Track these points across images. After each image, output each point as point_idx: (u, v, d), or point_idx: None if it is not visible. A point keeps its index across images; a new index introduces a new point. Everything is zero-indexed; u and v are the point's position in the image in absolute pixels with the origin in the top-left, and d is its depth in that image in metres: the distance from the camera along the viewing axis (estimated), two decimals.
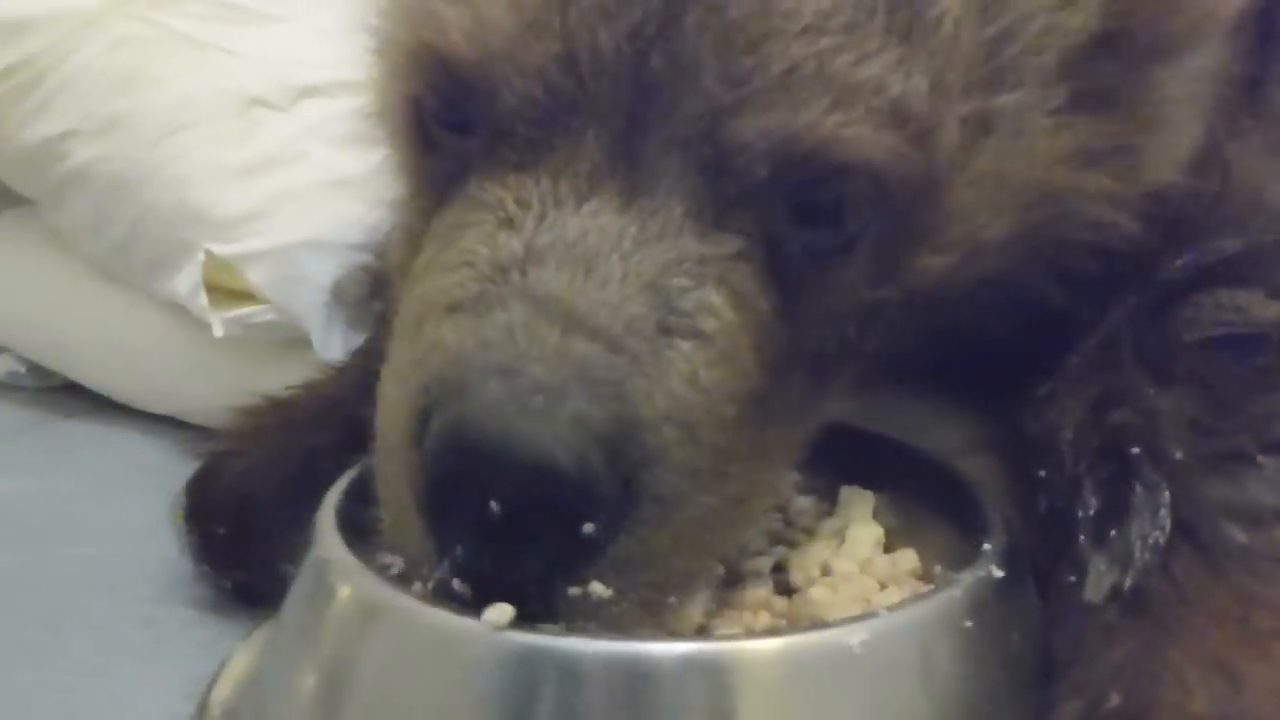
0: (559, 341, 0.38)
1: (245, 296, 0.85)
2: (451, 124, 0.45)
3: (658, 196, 0.40)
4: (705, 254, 0.41)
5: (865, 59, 0.40)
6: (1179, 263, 0.52)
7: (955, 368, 0.61)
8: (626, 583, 0.39)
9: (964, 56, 0.44)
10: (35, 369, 1.07)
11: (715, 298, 0.41)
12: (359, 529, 0.48)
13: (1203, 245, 0.53)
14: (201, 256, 0.84)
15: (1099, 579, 0.43)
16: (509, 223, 0.41)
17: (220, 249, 0.83)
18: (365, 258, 0.80)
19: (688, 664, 0.38)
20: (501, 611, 0.38)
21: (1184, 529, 0.44)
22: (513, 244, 0.40)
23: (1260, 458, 0.45)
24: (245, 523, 0.59)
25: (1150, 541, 0.43)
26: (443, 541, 0.39)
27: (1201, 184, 0.54)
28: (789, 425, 0.47)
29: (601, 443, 0.37)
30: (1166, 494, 0.44)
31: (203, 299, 0.83)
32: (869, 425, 0.60)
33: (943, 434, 0.62)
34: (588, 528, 0.37)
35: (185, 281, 0.86)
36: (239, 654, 0.54)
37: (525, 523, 0.37)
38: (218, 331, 0.82)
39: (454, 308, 0.40)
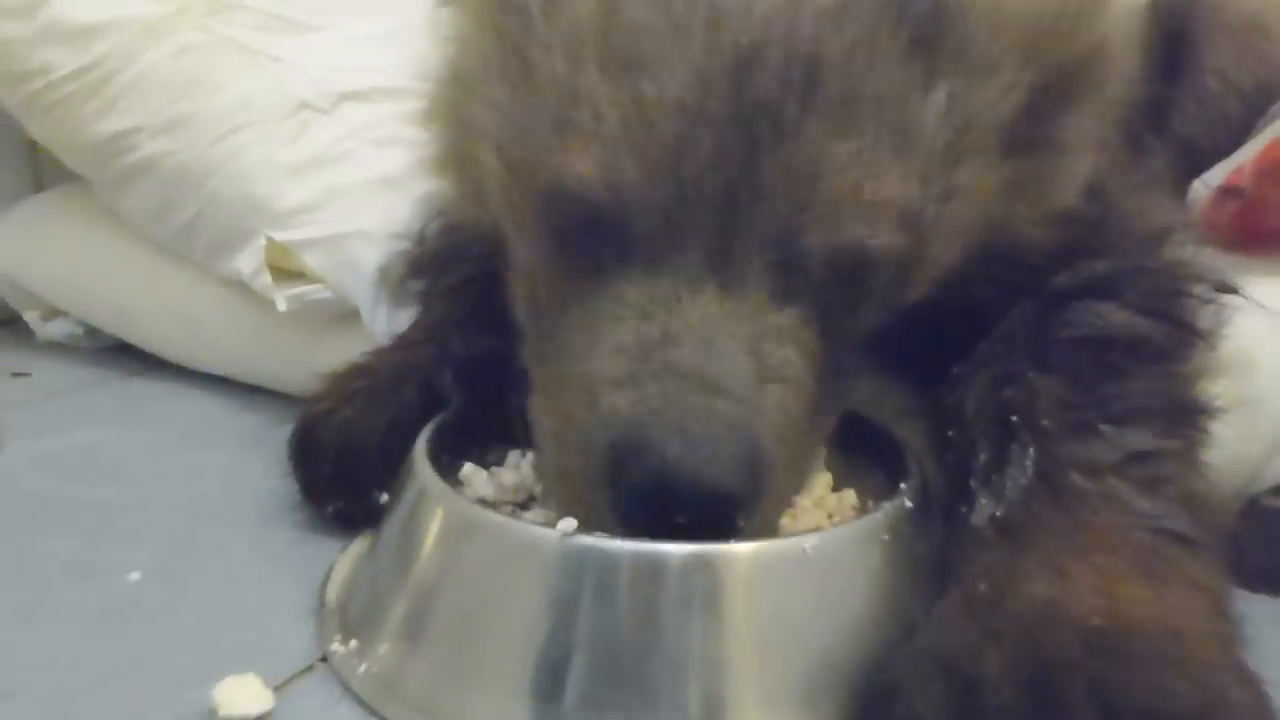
0: (704, 403, 0.53)
1: (298, 275, 0.99)
2: (585, 240, 0.58)
3: (747, 289, 0.55)
4: (781, 325, 0.56)
5: (883, 183, 0.55)
6: (1061, 280, 0.67)
7: (893, 353, 0.78)
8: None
9: (937, 156, 0.58)
10: (91, 331, 1.21)
11: (791, 353, 0.56)
12: (440, 466, 0.65)
13: (1081, 266, 0.67)
14: (263, 242, 0.98)
15: (982, 510, 0.59)
16: (646, 316, 0.55)
17: (280, 236, 0.97)
18: (404, 245, 0.93)
19: (689, 560, 0.54)
20: (570, 523, 0.55)
21: (1043, 476, 0.59)
22: (651, 330, 0.55)
23: (1102, 427, 0.60)
24: (346, 464, 0.73)
25: (1019, 484, 0.59)
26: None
27: (1090, 209, 0.68)
28: (830, 415, 0.65)
29: (747, 467, 0.53)
30: (1033, 451, 0.60)
31: (266, 278, 0.97)
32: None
33: (882, 403, 0.79)
34: (740, 520, 0.54)
35: (248, 262, 0.99)
36: (340, 563, 0.70)
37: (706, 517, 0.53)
38: (281, 307, 0.95)
39: (619, 381, 0.55)
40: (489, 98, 0.63)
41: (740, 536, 0.55)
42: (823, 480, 0.70)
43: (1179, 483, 0.60)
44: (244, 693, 0.55)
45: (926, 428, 0.73)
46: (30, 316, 1.23)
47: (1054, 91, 0.62)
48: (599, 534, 0.55)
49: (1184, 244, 0.72)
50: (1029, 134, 0.62)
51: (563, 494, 0.60)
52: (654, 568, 0.54)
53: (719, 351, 0.54)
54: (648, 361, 0.54)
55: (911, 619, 0.56)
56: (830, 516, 0.67)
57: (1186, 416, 0.64)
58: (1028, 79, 0.61)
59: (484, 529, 0.58)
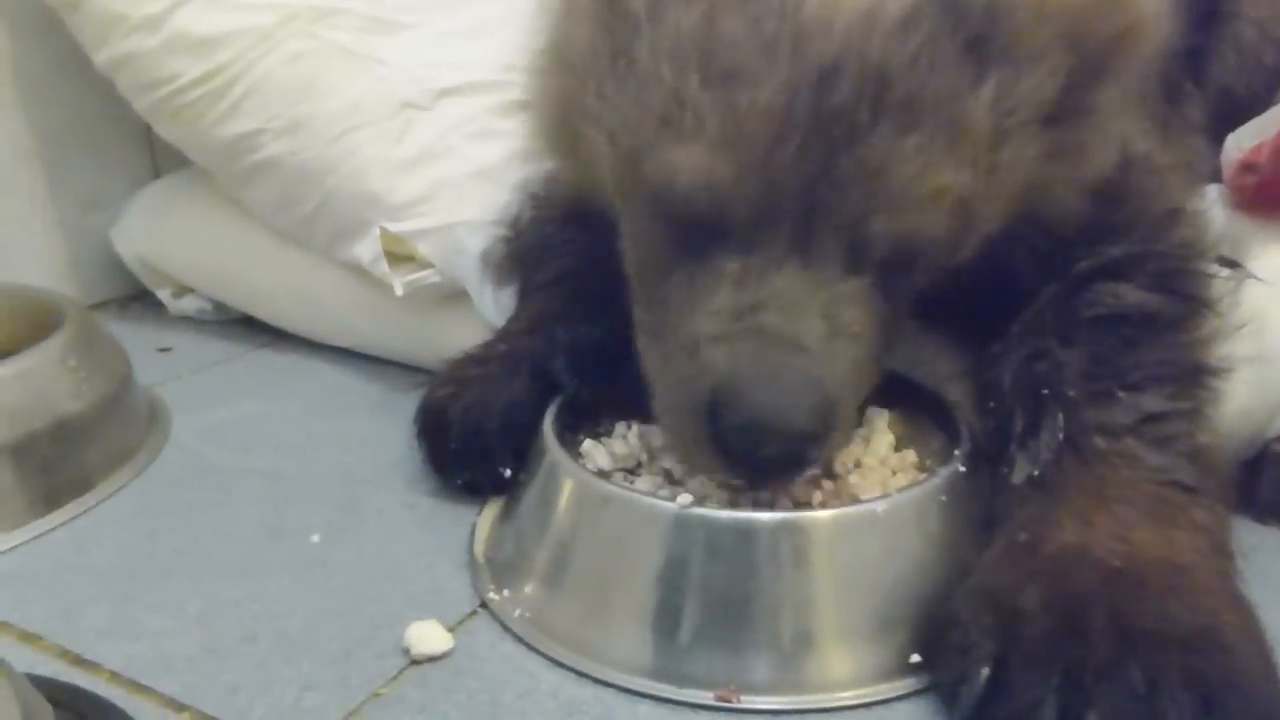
0: (786, 358, 0.65)
1: (410, 260, 1.11)
2: (688, 224, 0.68)
3: (825, 265, 0.66)
4: (849, 292, 0.66)
5: (939, 173, 0.64)
6: (1083, 264, 0.76)
7: (945, 321, 0.89)
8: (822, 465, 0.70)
9: (985, 141, 0.66)
10: (219, 306, 1.35)
11: (857, 314, 0.67)
12: (563, 442, 0.78)
13: (1099, 251, 0.77)
14: (378, 232, 1.10)
15: (1020, 470, 0.70)
16: (739, 284, 0.66)
17: (394, 227, 1.09)
18: (501, 232, 1.05)
19: (779, 525, 0.67)
20: (686, 497, 0.68)
21: (1070, 440, 0.70)
22: (743, 297, 0.66)
23: (1120, 393, 0.71)
24: (471, 442, 0.85)
25: (1050, 448, 0.70)
26: (734, 468, 0.68)
27: (1117, 183, 0.77)
28: (883, 360, 0.75)
29: (820, 411, 0.65)
30: (1062, 418, 0.71)
31: (384, 265, 1.08)
32: (893, 366, 0.88)
33: (935, 367, 0.90)
34: (814, 454, 0.67)
35: (366, 251, 1.11)
36: (480, 524, 0.84)
37: (786, 455, 0.66)
38: (399, 291, 1.06)
39: (717, 338, 0.66)
40: (600, 88, 0.73)
41: (811, 465, 0.68)
42: (886, 441, 0.82)
43: (1187, 439, 0.71)
44: (429, 635, 0.69)
45: (974, 390, 0.83)
46: (163, 294, 1.37)
47: (1091, 66, 0.70)
48: (708, 504, 0.68)
49: (1194, 223, 0.81)
50: (1067, 106, 0.70)
51: (672, 430, 0.72)
52: (750, 531, 0.67)
53: (798, 315, 0.65)
54: (740, 322, 0.66)
55: (965, 564, 0.68)
56: (894, 473, 0.79)
57: (1195, 379, 0.74)
58: (1068, 61, 0.68)
59: (614, 501, 0.71)
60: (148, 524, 0.86)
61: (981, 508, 0.73)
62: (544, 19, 0.83)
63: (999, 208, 0.71)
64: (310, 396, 1.12)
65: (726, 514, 0.68)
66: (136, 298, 1.43)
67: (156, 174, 1.45)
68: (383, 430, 1.01)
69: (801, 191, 0.64)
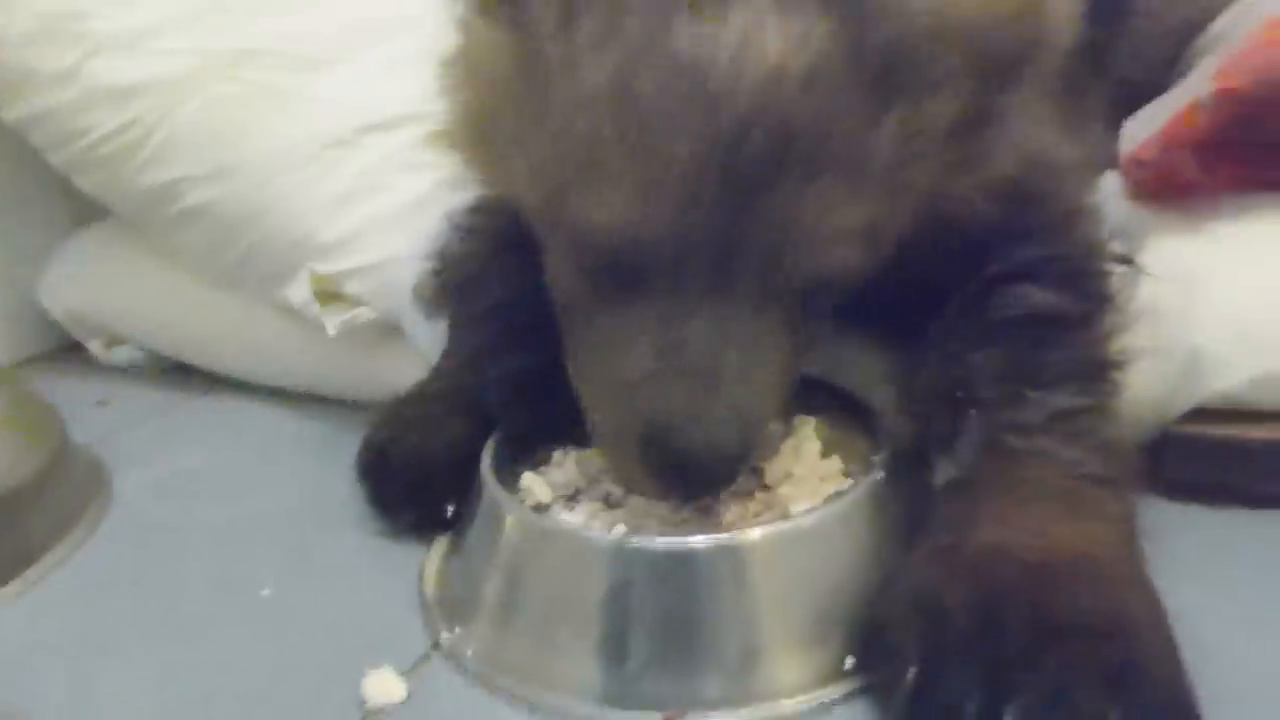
0: (708, 394, 0.68)
1: (342, 299, 1.12)
2: (608, 269, 0.71)
3: (740, 305, 0.69)
4: (766, 324, 0.70)
5: (845, 212, 0.67)
6: (995, 267, 0.80)
7: (864, 324, 0.92)
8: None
9: (889, 169, 0.68)
10: (153, 355, 1.34)
11: (774, 342, 0.71)
12: (502, 474, 0.81)
13: (1010, 252, 0.80)
14: (307, 274, 1.11)
15: (942, 473, 0.74)
16: (661, 325, 0.69)
17: (323, 268, 1.10)
18: (431, 264, 1.05)
19: (715, 548, 0.70)
20: (619, 529, 0.71)
21: (988, 440, 0.74)
22: (667, 337, 0.69)
23: (1030, 393, 0.75)
24: (414, 482, 0.87)
25: (969, 449, 0.74)
26: (668, 494, 0.73)
27: (1022, 184, 0.79)
28: (790, 385, 0.78)
29: (743, 437, 0.70)
30: (978, 419, 0.75)
31: (315, 308, 1.09)
32: (817, 371, 0.92)
33: (857, 370, 0.93)
34: (739, 472, 0.72)
35: (297, 294, 1.12)
36: (428, 564, 0.85)
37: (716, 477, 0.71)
38: (331, 332, 1.07)
39: (645, 378, 0.69)
40: (516, 122, 0.75)
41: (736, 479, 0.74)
42: (813, 449, 0.85)
43: (1096, 432, 0.75)
44: (385, 684, 0.70)
45: (894, 389, 0.87)
46: (94, 346, 1.36)
47: (995, 80, 0.72)
48: (641, 534, 0.71)
49: (1093, 221, 0.85)
50: (970, 119, 0.72)
51: (612, 462, 0.77)
52: (687, 556, 0.70)
53: (719, 351, 0.69)
54: (663, 361, 0.69)
55: (893, 566, 0.71)
56: (821, 480, 0.82)
57: (1100, 374, 0.78)
58: (971, 80, 0.70)
59: (554, 536, 0.74)
60: (97, 593, 0.86)
61: (906, 510, 0.77)
62: (451, 32, 0.84)
63: (904, 221, 0.74)
64: (252, 442, 1.13)
65: (663, 541, 0.71)
66: (67, 351, 1.42)
67: (77, 225, 1.44)
68: (327, 472, 1.02)
69: (715, 239, 0.67)
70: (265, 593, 0.84)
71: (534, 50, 0.72)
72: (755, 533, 0.71)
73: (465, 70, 0.83)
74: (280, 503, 0.98)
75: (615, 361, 0.72)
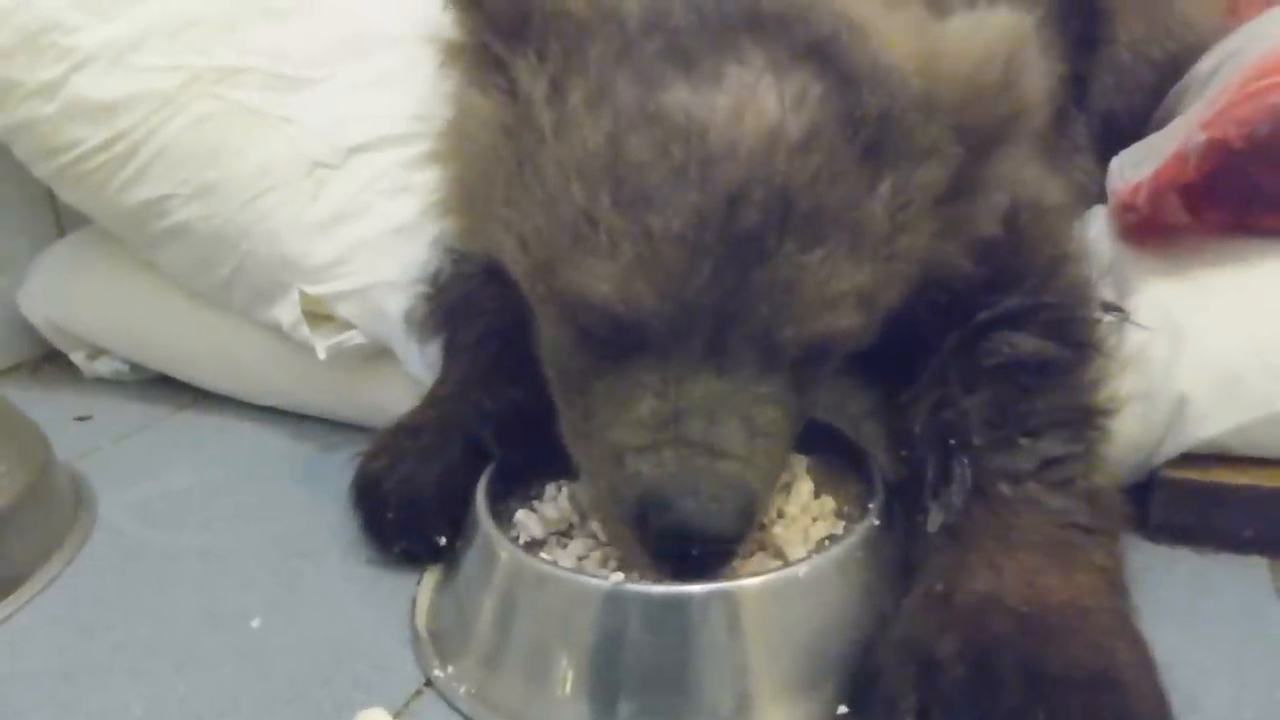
0: (709, 465, 0.67)
1: (330, 320, 1.11)
2: (606, 337, 0.70)
3: (740, 371, 0.68)
4: (766, 393, 0.69)
5: (842, 279, 0.67)
6: (982, 316, 0.80)
7: (856, 367, 0.93)
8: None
9: (883, 236, 0.69)
10: (136, 367, 1.33)
11: (774, 413, 0.70)
12: (496, 509, 0.81)
13: (999, 301, 0.81)
14: (296, 295, 1.10)
15: (934, 519, 0.75)
16: (660, 395, 0.69)
17: (313, 290, 1.09)
18: (422, 288, 1.05)
19: (710, 596, 0.70)
20: (617, 576, 0.71)
21: (978, 487, 0.75)
22: (664, 407, 0.68)
23: (1021, 440, 0.76)
24: (407, 512, 0.87)
25: (960, 496, 0.75)
26: (666, 568, 0.71)
27: (1007, 237, 0.80)
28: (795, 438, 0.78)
29: (744, 512, 0.69)
30: (969, 467, 0.76)
31: (305, 330, 1.08)
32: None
33: (847, 408, 0.94)
34: (739, 549, 0.71)
35: (286, 315, 1.11)
36: (420, 596, 0.85)
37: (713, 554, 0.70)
38: (322, 355, 1.07)
39: (643, 448, 0.69)
40: (507, 192, 0.73)
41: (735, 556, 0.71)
42: (806, 488, 0.86)
43: (1084, 480, 0.76)
44: None
45: (885, 431, 0.88)
46: (76, 357, 1.35)
47: (980, 147, 0.73)
48: (636, 578, 0.71)
49: (1079, 267, 0.86)
50: (958, 186, 0.73)
51: (609, 529, 0.76)
52: (682, 603, 0.70)
53: (717, 422, 0.68)
54: (663, 432, 0.68)
55: (885, 612, 0.72)
56: (815, 520, 0.83)
57: (1088, 421, 0.79)
58: (957, 148, 0.71)
59: (548, 580, 0.74)
60: (82, 619, 0.85)
61: (897, 555, 0.78)
62: (441, 101, 0.83)
63: (899, 288, 0.74)
64: (238, 462, 1.12)
65: (658, 588, 0.71)
66: (49, 360, 1.41)
67: (61, 233, 1.42)
68: (315, 495, 1.02)
69: (714, 307, 0.67)
70: (255, 624, 0.83)
71: (524, 118, 0.71)
72: (750, 581, 0.71)
73: (456, 141, 0.82)
74: (268, 527, 0.98)
75: (611, 429, 0.71)
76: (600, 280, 0.67)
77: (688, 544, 0.68)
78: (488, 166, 0.76)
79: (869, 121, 0.67)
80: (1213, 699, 0.71)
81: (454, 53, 0.78)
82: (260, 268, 1.13)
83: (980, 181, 0.75)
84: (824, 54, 0.68)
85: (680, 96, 0.66)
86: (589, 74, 0.69)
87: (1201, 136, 0.89)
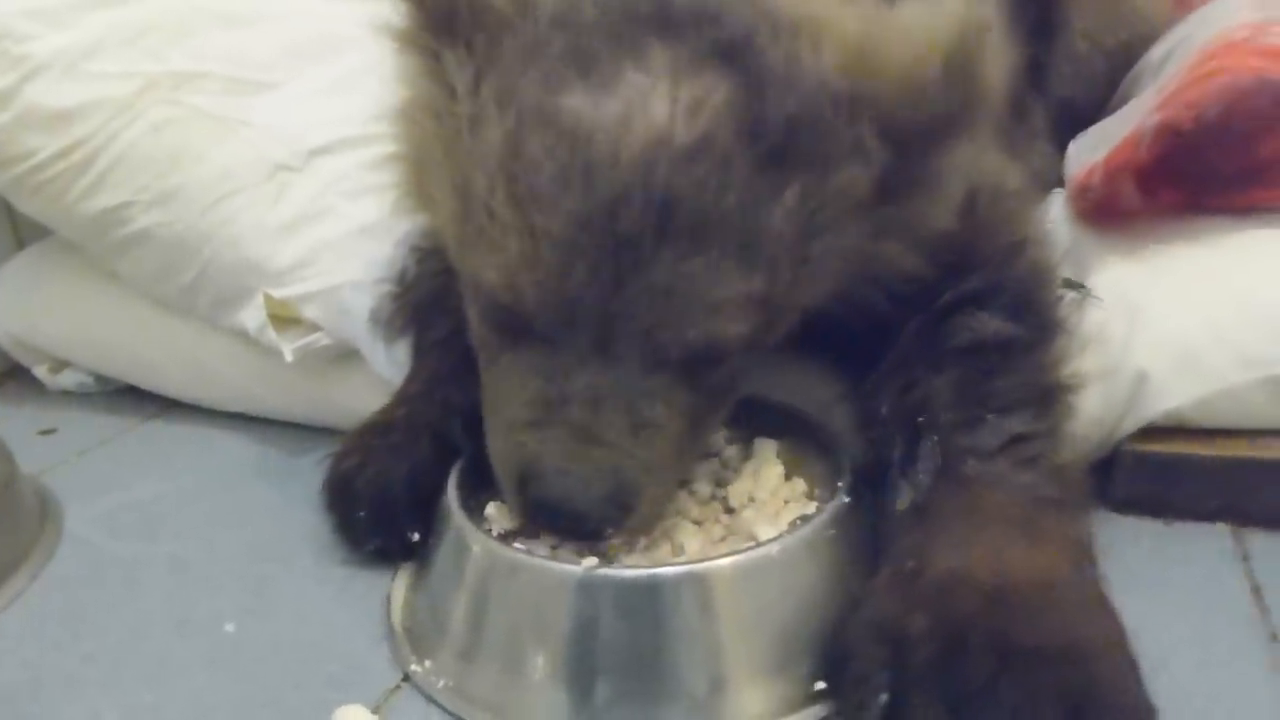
0: (583, 450, 0.70)
1: (297, 323, 1.11)
2: (505, 316, 0.73)
3: (623, 364, 0.69)
4: (653, 388, 0.71)
5: (727, 285, 0.68)
6: (947, 296, 0.81)
7: (822, 351, 0.94)
8: (624, 540, 0.75)
9: (786, 243, 0.69)
10: (100, 379, 1.31)
11: (660, 409, 0.71)
12: (467, 502, 0.81)
13: (961, 282, 0.81)
14: (261, 298, 1.10)
15: (903, 498, 0.76)
16: (548, 379, 0.71)
17: (277, 293, 1.08)
18: (389, 288, 1.05)
19: (683, 578, 0.70)
20: (591, 561, 0.71)
21: (946, 465, 0.75)
22: (551, 390, 0.71)
23: (988, 418, 0.76)
24: (379, 510, 0.87)
25: (929, 474, 0.76)
26: (539, 533, 0.75)
27: (964, 226, 0.80)
28: (704, 433, 0.80)
29: (614, 497, 0.71)
30: (938, 445, 0.77)
31: (271, 334, 1.08)
32: (770, 395, 0.93)
33: (815, 393, 0.95)
34: (606, 532, 0.72)
35: (252, 319, 1.10)
36: (394, 593, 0.85)
37: (578, 531, 0.72)
38: (289, 358, 1.06)
39: (529, 424, 0.72)
40: (438, 179, 0.77)
41: (610, 539, 0.74)
42: (776, 473, 0.87)
43: (1050, 456, 0.77)
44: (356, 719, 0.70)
45: (854, 415, 0.88)
46: (39, 371, 1.33)
47: (922, 142, 0.72)
48: (612, 566, 0.72)
49: (1041, 248, 0.87)
50: (893, 185, 0.72)
51: (504, 494, 0.78)
52: (655, 586, 0.70)
53: (599, 410, 0.70)
54: (548, 413, 0.71)
55: (856, 591, 0.73)
56: (786, 503, 0.83)
57: (1053, 398, 0.80)
58: (886, 150, 0.70)
59: (521, 568, 0.74)
60: (51, 632, 0.84)
61: (867, 534, 0.78)
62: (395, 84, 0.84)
63: (817, 290, 0.75)
64: (207, 470, 1.11)
65: (630, 572, 0.71)
66: (10, 375, 1.39)
67: (20, 245, 1.40)
68: (286, 500, 1.02)
69: (597, 307, 0.68)
70: (229, 628, 0.83)
71: (450, 108, 0.74)
72: (723, 562, 0.71)
73: (406, 124, 0.84)
74: (239, 533, 0.97)
75: (506, 404, 0.75)
76: (490, 269, 0.70)
77: (556, 518, 0.73)
78: (427, 151, 0.79)
79: (773, 127, 0.67)
80: (1179, 663, 0.72)
81: (402, 39, 0.80)
82: (224, 273, 1.12)
83: (923, 179, 0.74)
84: (732, 57, 0.68)
85: (573, 101, 0.67)
86: (501, 70, 0.70)
87: (1154, 119, 0.91)
